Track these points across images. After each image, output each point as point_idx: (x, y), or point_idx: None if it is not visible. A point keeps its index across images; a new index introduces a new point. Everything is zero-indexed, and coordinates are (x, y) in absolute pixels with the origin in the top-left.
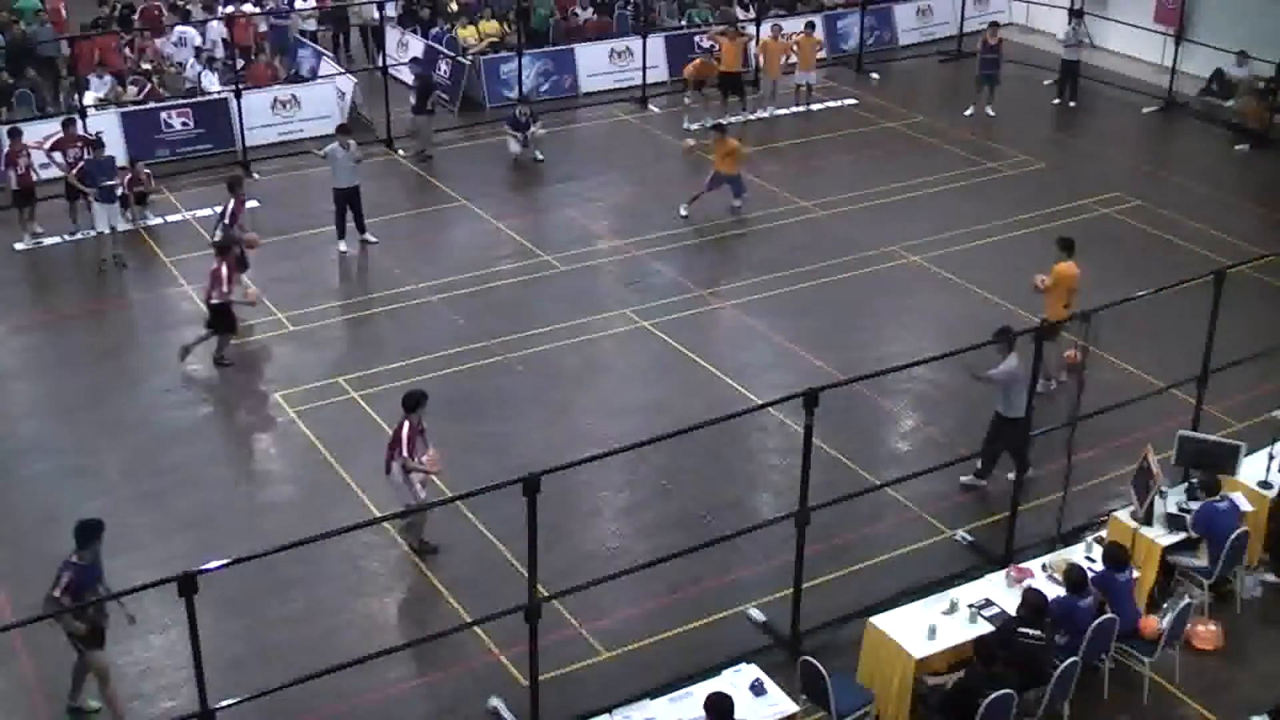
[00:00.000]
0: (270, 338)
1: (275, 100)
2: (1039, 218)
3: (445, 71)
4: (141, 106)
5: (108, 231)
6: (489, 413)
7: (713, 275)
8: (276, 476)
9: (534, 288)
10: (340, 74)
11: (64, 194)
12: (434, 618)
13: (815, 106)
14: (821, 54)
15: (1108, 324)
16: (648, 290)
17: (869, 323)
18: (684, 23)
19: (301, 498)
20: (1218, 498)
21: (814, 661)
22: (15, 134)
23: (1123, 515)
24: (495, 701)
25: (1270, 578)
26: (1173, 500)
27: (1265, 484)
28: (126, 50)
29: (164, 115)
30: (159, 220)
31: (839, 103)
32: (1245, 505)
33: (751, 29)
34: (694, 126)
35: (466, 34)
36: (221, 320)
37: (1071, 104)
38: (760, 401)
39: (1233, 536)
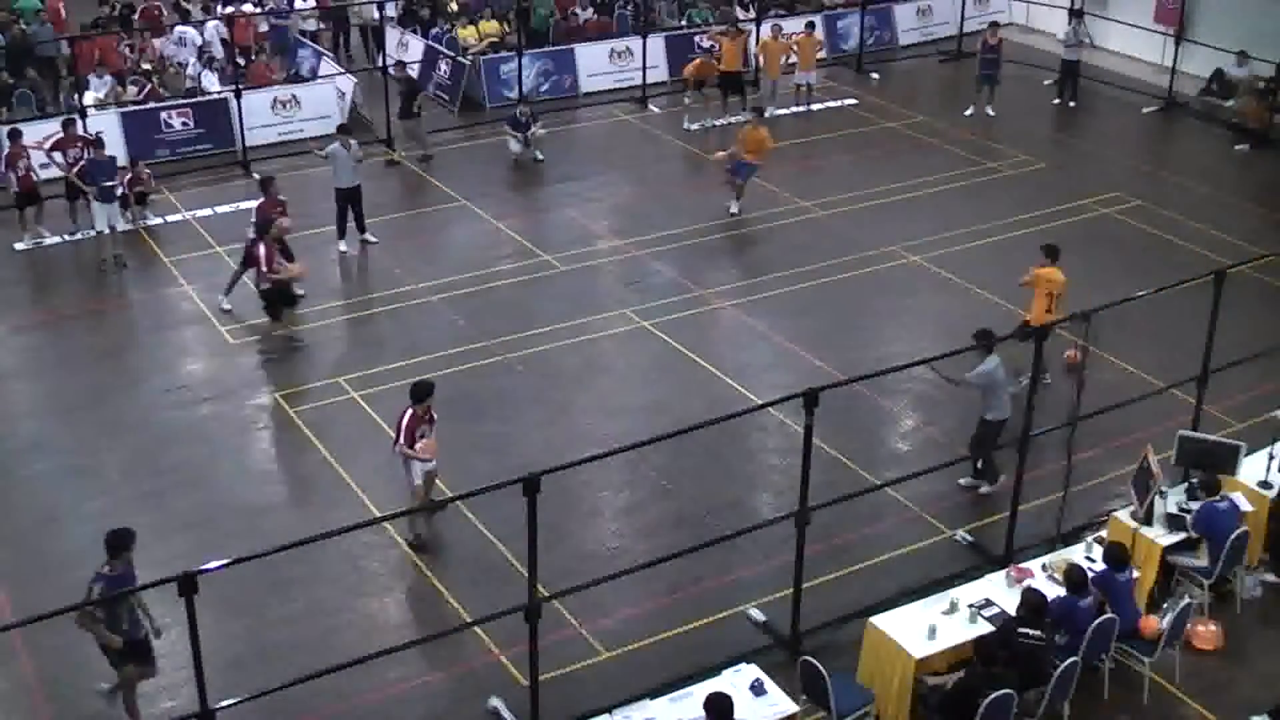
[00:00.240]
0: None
1: (275, 100)
2: (1039, 218)
3: (445, 71)
4: (141, 106)
5: (107, 231)
6: (489, 413)
7: (713, 275)
8: (276, 476)
9: (534, 288)
10: (340, 74)
11: (64, 194)
12: (434, 618)
13: (815, 106)
14: (821, 54)
15: (1108, 324)
16: (648, 290)
17: (869, 323)
18: (684, 23)
19: (301, 498)
20: (1218, 498)
21: (814, 661)
22: (15, 135)
23: (1123, 515)
24: (495, 701)
25: (1270, 578)
26: (1173, 500)
27: (1265, 484)
28: (126, 50)
29: (164, 115)
30: (159, 220)
31: (839, 103)
32: (1245, 505)
33: (751, 29)
34: (694, 127)
35: (466, 34)
36: (274, 305)
37: (1071, 104)
38: (760, 401)
39: (1233, 536)
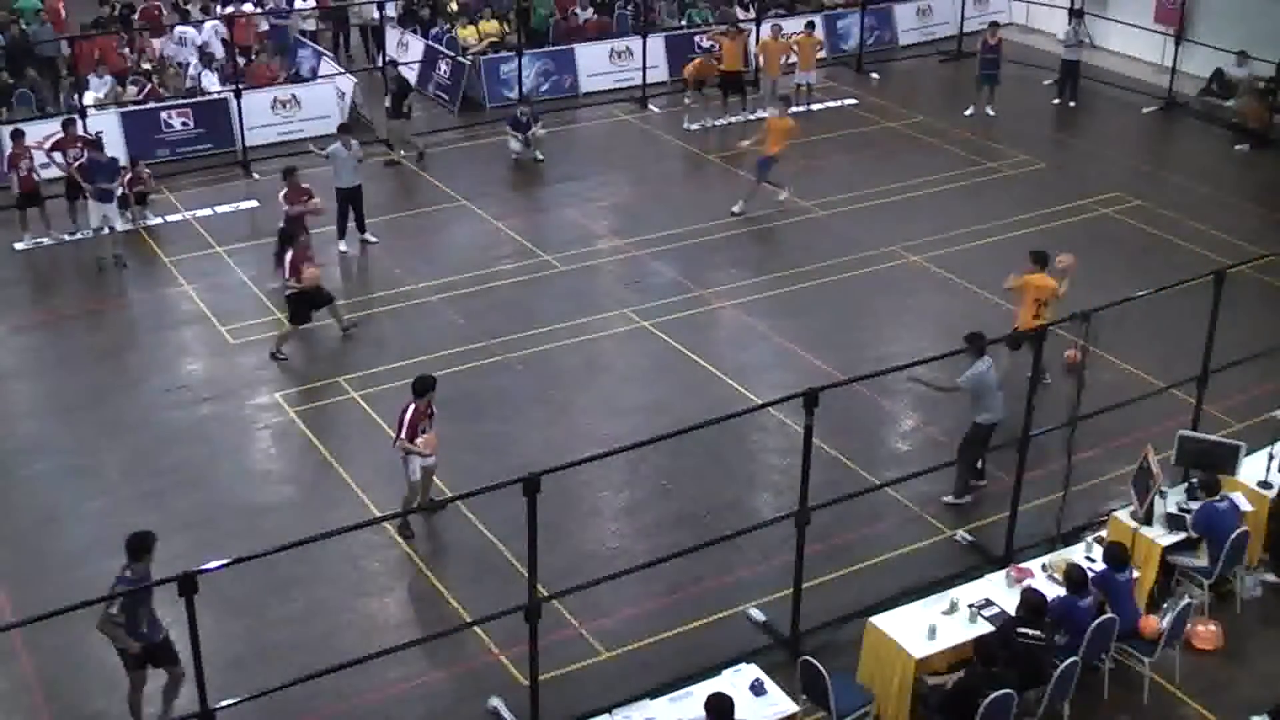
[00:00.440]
0: (270, 338)
1: (275, 100)
2: (1039, 218)
3: (445, 71)
4: (141, 106)
5: (106, 231)
6: (489, 413)
7: (713, 275)
8: (276, 476)
9: (534, 288)
10: (340, 74)
11: (64, 194)
12: (434, 618)
13: (815, 106)
14: (821, 54)
15: (1108, 324)
16: (648, 290)
17: (869, 323)
18: (684, 23)
19: (301, 498)
20: (1218, 498)
21: (814, 661)
22: (18, 136)
23: (1123, 515)
24: (495, 701)
25: (1270, 578)
26: (1173, 500)
27: (1265, 484)
28: (126, 50)
29: (164, 115)
30: (159, 220)
31: (839, 103)
32: (1245, 505)
33: (751, 29)
34: (694, 127)
35: (466, 34)
36: (298, 309)
37: (1071, 104)
38: (760, 401)
39: (1233, 536)
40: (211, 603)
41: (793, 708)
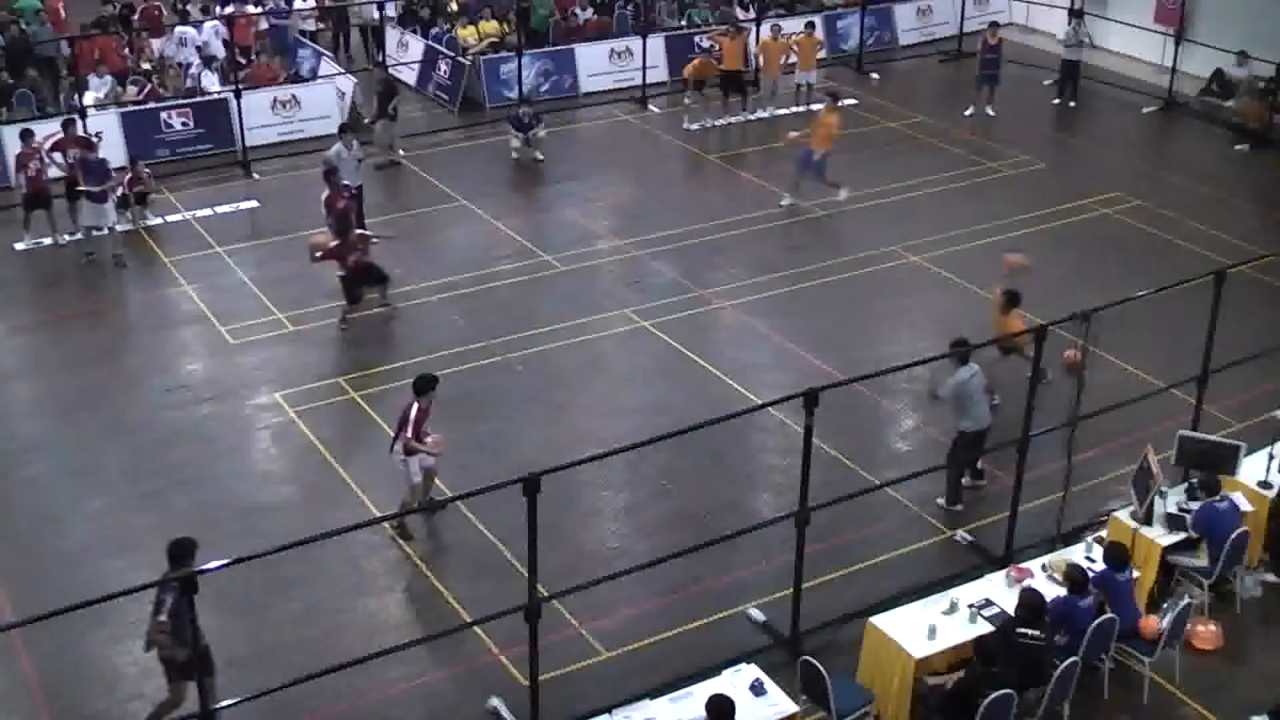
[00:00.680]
0: (270, 338)
1: (275, 100)
2: (1039, 218)
3: (445, 71)
4: (141, 106)
5: (105, 231)
6: (489, 413)
7: (713, 275)
8: (276, 476)
9: (534, 288)
10: (340, 74)
11: (64, 194)
12: (434, 618)
13: (815, 106)
14: (821, 54)
15: (1108, 324)
16: (648, 290)
17: (869, 323)
18: (684, 23)
19: (301, 498)
20: (1218, 498)
21: (814, 662)
22: (26, 136)
23: (1123, 515)
24: (495, 701)
25: (1270, 578)
26: (1173, 500)
27: (1265, 484)
28: (126, 50)
29: (164, 115)
30: (159, 220)
31: (839, 103)
32: (1245, 505)
33: (751, 29)
34: (694, 127)
35: (466, 34)
36: (353, 289)
37: (1071, 104)
38: (760, 401)
39: (1233, 536)
40: (211, 603)
41: (793, 708)
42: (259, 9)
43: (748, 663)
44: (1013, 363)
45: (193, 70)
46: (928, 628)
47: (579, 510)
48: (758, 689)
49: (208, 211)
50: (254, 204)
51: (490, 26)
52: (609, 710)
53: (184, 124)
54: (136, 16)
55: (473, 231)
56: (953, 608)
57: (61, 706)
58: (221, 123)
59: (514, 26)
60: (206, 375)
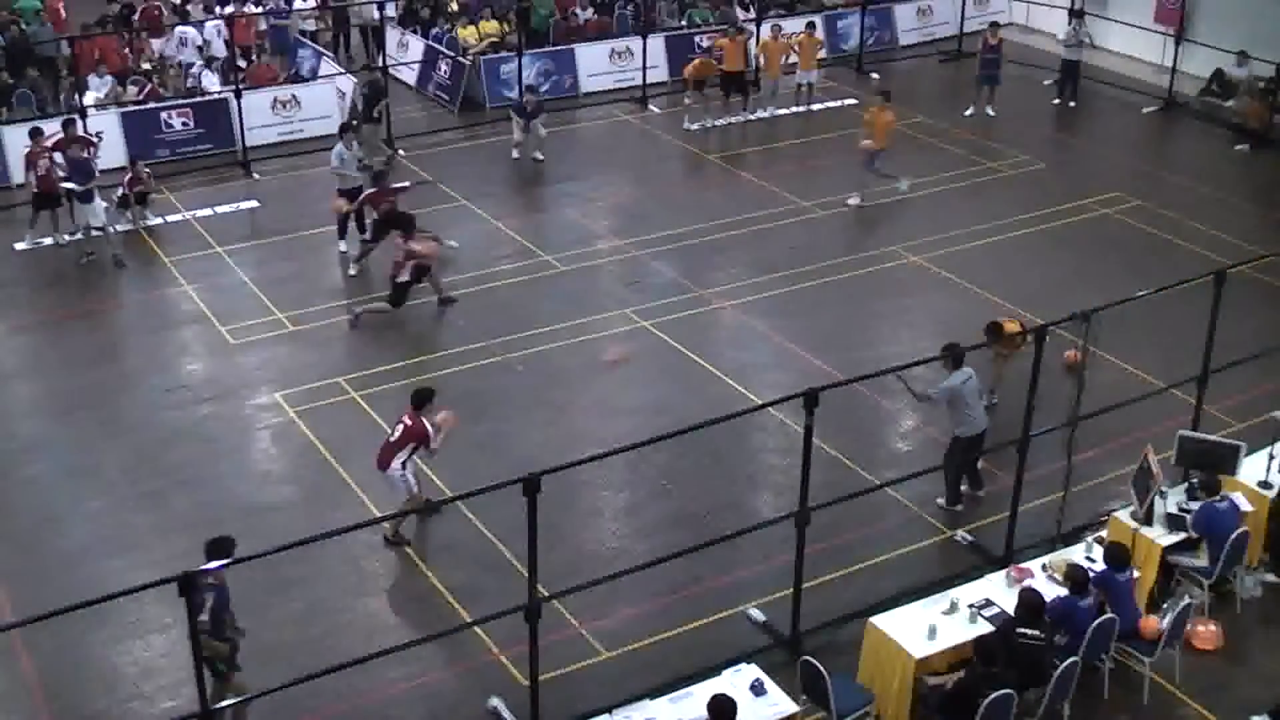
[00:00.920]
0: (270, 338)
1: (275, 100)
2: (1039, 218)
3: (445, 71)
4: (141, 106)
5: (104, 232)
6: (489, 413)
7: (713, 275)
8: (276, 476)
9: (534, 288)
10: (340, 74)
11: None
12: (434, 618)
13: (815, 106)
14: (822, 54)
15: (1108, 324)
16: (648, 290)
17: (869, 323)
18: (684, 23)
19: (301, 498)
20: (1218, 498)
21: (814, 661)
22: (36, 134)
23: (1123, 515)
24: (495, 701)
25: (1270, 578)
26: (1173, 500)
27: (1265, 484)
28: (126, 50)
29: (164, 115)
30: (159, 220)
31: (839, 103)
32: (1245, 505)
33: (752, 29)
34: (694, 127)
35: (466, 34)
36: (400, 294)
37: (1071, 104)
38: (760, 401)
39: (1233, 536)
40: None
41: (793, 708)
42: (259, 9)
43: (748, 663)
44: (1023, 361)
45: (193, 70)
46: (928, 628)
47: (579, 510)
48: (758, 689)
49: (208, 211)
50: (254, 204)
51: (490, 26)
52: (609, 710)
53: (184, 124)
54: (136, 16)
55: (473, 231)
56: (953, 608)
57: (61, 706)
58: (222, 123)
59: (514, 26)
60: (206, 375)
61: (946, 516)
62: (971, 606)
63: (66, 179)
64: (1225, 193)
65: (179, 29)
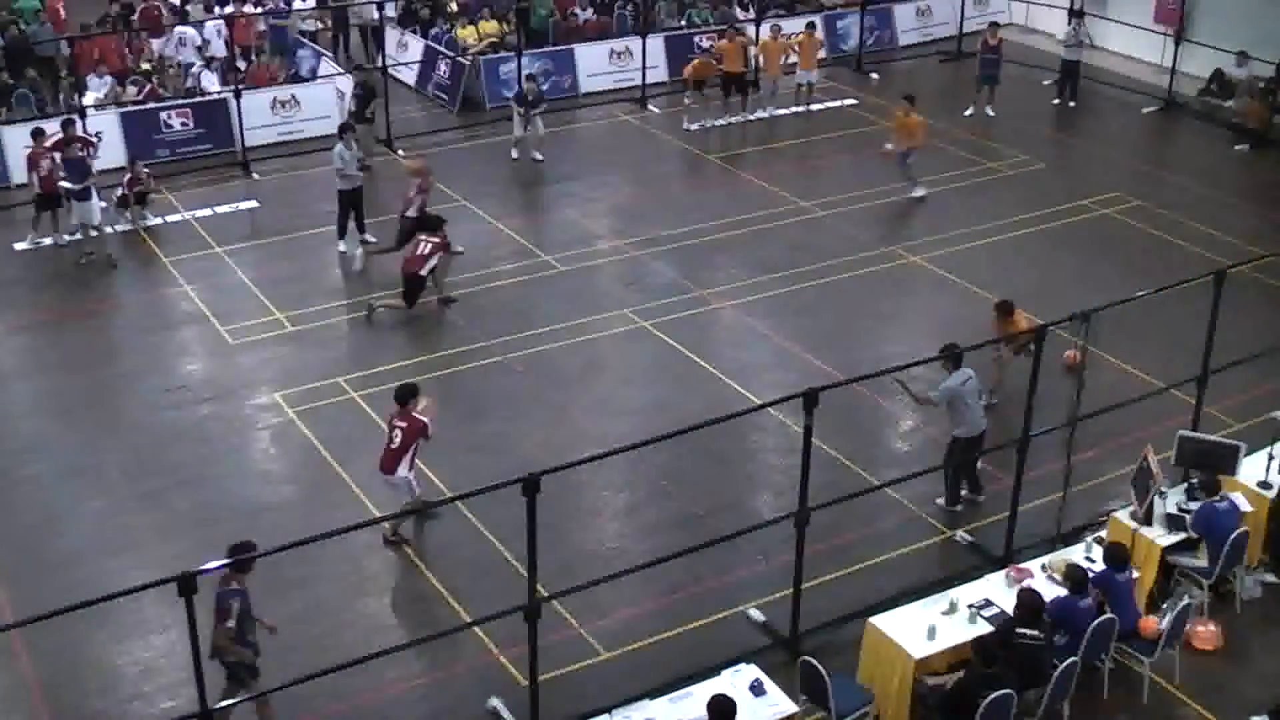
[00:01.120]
0: (270, 338)
1: (275, 100)
2: (1039, 218)
3: (445, 71)
4: (141, 107)
5: (106, 231)
6: (489, 413)
7: (713, 275)
8: (276, 476)
9: (534, 288)
10: (340, 74)
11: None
12: (434, 618)
13: (815, 106)
14: (821, 54)
15: (1108, 324)
16: (648, 290)
17: (869, 323)
18: (684, 23)
19: (301, 498)
20: (1218, 498)
21: (814, 662)
22: (38, 135)
23: (1123, 515)
24: (495, 701)
25: (1270, 578)
26: (1173, 500)
27: (1265, 484)
28: (126, 50)
29: (164, 115)
30: (159, 220)
31: (839, 103)
32: (1245, 505)
33: (751, 29)
34: (694, 127)
35: (466, 34)
36: (413, 292)
37: (1071, 104)
38: (760, 401)
39: (1233, 536)
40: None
41: (792, 708)
42: (259, 9)
43: (748, 663)
44: (1023, 361)
45: (193, 70)
46: (927, 628)
47: (579, 510)
48: (758, 689)
49: (207, 211)
50: (253, 204)
51: (490, 26)
52: (609, 710)
53: (184, 124)
54: (136, 16)
55: (473, 231)
56: (952, 608)
57: (61, 706)
58: (221, 123)
59: (514, 26)
60: (206, 375)
61: (946, 516)
62: (971, 607)
63: (66, 178)
64: (1225, 193)
65: (178, 29)
